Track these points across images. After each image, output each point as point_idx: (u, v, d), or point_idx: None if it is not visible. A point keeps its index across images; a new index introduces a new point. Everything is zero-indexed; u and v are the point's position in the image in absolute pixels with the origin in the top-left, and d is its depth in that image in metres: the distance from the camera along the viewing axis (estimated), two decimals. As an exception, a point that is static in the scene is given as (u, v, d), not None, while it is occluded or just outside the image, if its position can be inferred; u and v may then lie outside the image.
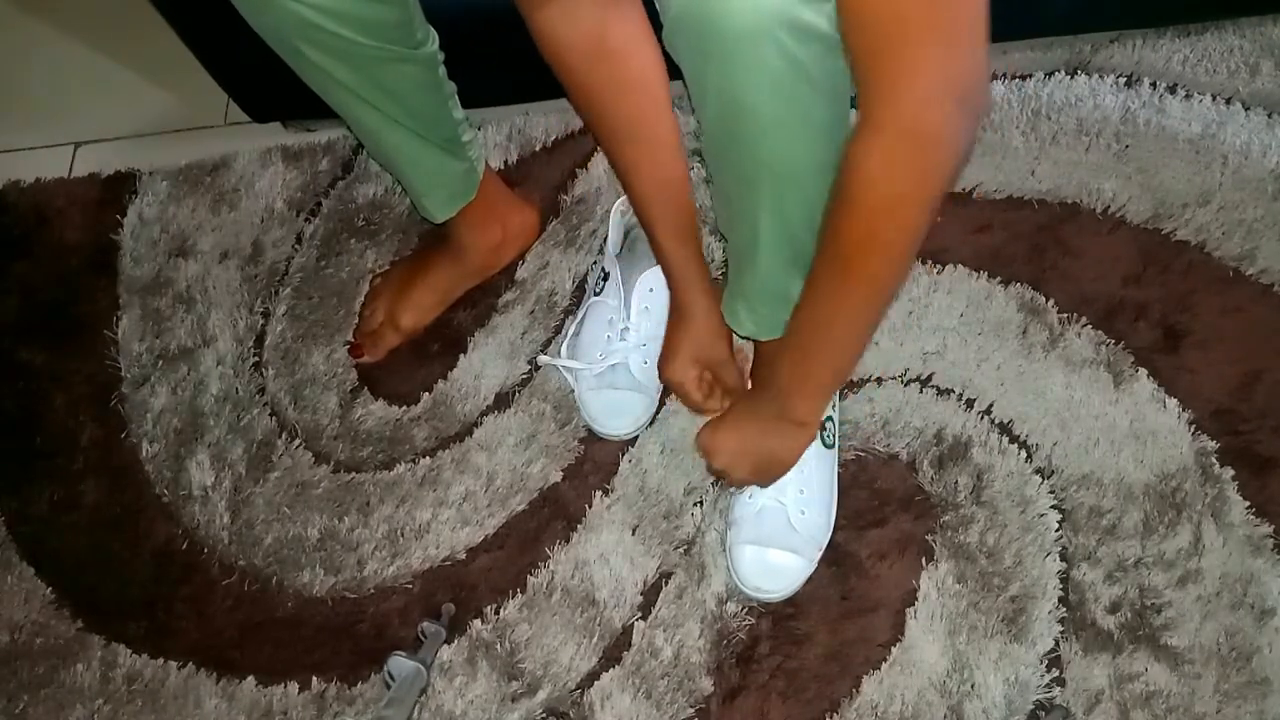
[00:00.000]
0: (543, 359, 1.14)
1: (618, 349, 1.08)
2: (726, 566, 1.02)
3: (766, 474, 0.97)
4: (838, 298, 0.77)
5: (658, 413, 1.10)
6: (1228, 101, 1.14)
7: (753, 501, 1.01)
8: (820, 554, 1.01)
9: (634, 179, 0.92)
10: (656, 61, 0.86)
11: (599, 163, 1.24)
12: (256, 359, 1.22)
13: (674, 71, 0.72)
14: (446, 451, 1.13)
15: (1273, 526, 0.97)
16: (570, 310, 1.17)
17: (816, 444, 0.99)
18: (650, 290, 1.09)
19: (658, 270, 1.04)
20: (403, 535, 1.11)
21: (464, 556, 1.09)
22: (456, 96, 1.04)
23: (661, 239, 0.95)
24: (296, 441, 1.17)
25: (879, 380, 1.08)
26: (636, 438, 1.10)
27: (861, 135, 0.66)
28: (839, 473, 1.04)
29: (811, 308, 0.80)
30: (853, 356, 0.86)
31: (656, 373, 1.07)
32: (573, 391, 1.12)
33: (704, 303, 1.00)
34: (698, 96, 0.73)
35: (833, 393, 0.92)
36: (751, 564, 1.00)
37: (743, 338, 1.00)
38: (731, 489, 1.03)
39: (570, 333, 1.13)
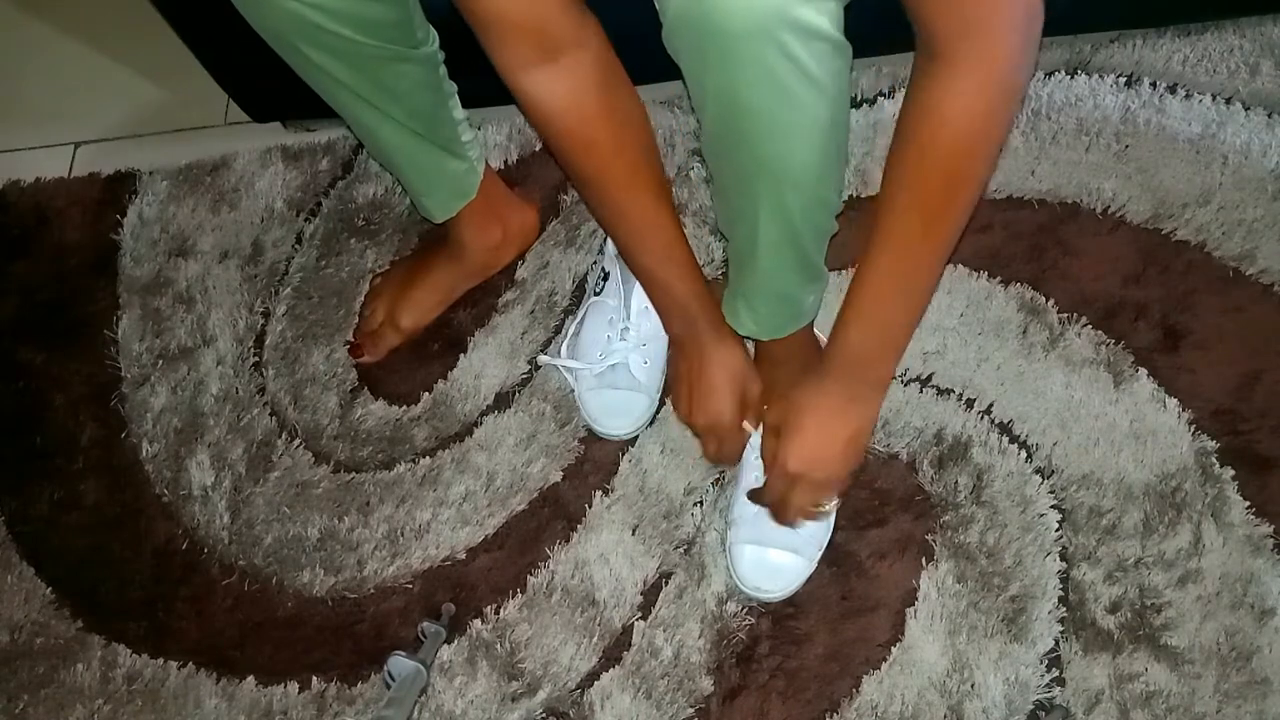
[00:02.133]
0: (543, 359, 1.14)
1: (618, 349, 1.08)
2: (726, 566, 1.02)
3: (858, 454, 0.92)
4: (923, 245, 0.77)
5: (658, 413, 1.10)
6: (1228, 101, 1.14)
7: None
8: (820, 554, 1.01)
9: (625, 221, 0.88)
10: (637, 99, 0.84)
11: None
12: (256, 359, 1.22)
13: (673, 71, 0.72)
14: (446, 451, 1.13)
15: (1273, 526, 0.97)
16: (570, 310, 1.17)
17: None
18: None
19: None
20: (403, 535, 1.11)
21: (464, 556, 1.09)
22: (457, 96, 1.04)
23: (663, 278, 0.91)
24: (296, 441, 1.17)
25: (879, 380, 1.08)
26: (636, 438, 1.10)
27: (945, 81, 0.67)
28: (839, 473, 1.04)
29: (887, 265, 0.79)
30: (926, 305, 0.85)
31: (656, 373, 1.07)
32: (573, 391, 1.11)
33: (726, 330, 0.96)
34: (697, 97, 0.72)
35: (906, 345, 0.88)
36: (751, 564, 1.00)
37: (743, 337, 1.00)
38: (742, 486, 1.01)
39: (570, 333, 1.13)
